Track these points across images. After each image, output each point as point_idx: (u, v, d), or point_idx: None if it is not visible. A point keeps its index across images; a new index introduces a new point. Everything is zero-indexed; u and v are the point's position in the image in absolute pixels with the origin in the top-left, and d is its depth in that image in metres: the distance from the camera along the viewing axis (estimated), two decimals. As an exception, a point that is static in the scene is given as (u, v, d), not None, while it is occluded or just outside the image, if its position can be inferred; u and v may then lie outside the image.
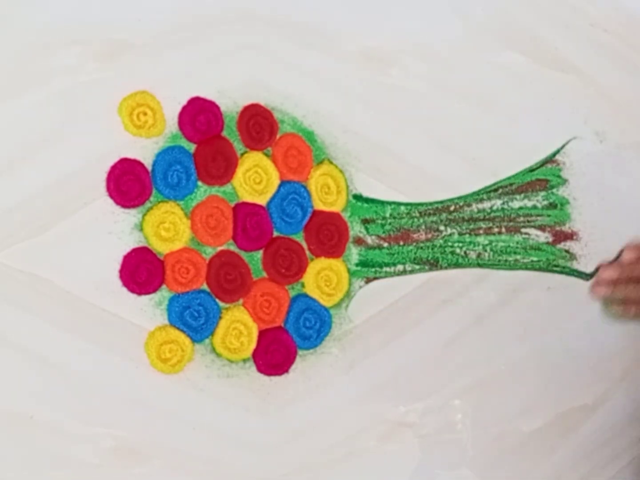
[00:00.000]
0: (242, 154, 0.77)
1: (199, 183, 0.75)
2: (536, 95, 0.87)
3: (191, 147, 0.75)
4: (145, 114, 0.73)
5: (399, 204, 0.82)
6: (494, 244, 0.85)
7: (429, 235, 0.83)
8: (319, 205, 0.79)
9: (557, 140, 0.87)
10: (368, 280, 0.81)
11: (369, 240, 0.81)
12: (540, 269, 0.87)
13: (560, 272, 0.87)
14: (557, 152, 0.87)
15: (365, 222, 0.81)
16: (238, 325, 0.75)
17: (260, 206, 0.77)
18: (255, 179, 0.77)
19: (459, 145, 0.84)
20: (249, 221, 0.76)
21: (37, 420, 0.70)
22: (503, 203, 0.86)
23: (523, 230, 0.86)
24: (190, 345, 0.74)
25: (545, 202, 0.87)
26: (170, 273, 0.73)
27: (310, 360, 0.78)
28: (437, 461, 0.83)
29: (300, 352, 0.78)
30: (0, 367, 0.69)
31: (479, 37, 0.85)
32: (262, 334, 0.76)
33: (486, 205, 0.85)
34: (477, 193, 0.85)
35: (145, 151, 0.73)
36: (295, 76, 0.78)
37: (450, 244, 0.84)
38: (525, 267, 0.86)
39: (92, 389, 0.71)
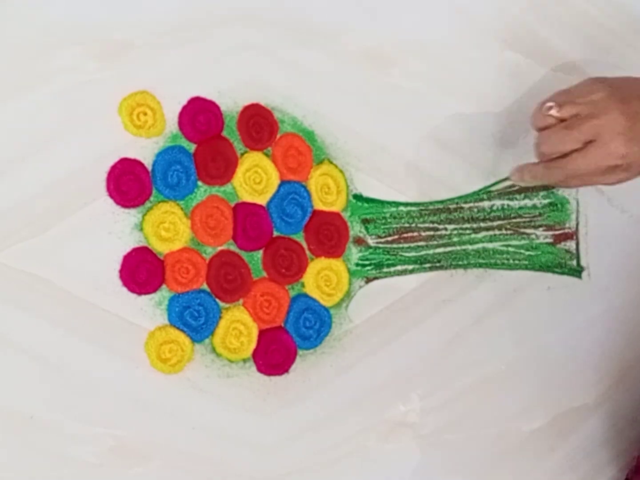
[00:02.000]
0: (242, 154, 0.77)
1: (199, 183, 0.75)
2: (536, 95, 0.87)
3: (191, 147, 0.75)
4: (145, 114, 0.73)
5: (399, 203, 0.82)
6: (494, 243, 0.85)
7: (429, 235, 0.83)
8: (319, 205, 0.79)
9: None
10: (368, 280, 0.81)
11: (369, 240, 0.81)
12: (540, 269, 0.87)
13: (560, 272, 0.88)
14: (557, 152, 0.87)
15: (365, 222, 0.81)
16: (238, 325, 0.75)
17: (260, 206, 0.77)
18: (255, 179, 0.77)
19: (459, 145, 0.84)
20: (249, 221, 0.76)
21: (37, 420, 0.70)
22: (503, 203, 0.86)
23: (523, 230, 0.86)
24: (190, 345, 0.74)
25: (545, 202, 0.87)
26: (170, 273, 0.74)
27: (310, 360, 0.78)
28: (437, 461, 0.83)
29: (300, 352, 0.78)
30: (0, 367, 0.69)
31: (479, 37, 0.85)
32: (262, 333, 0.76)
33: (486, 205, 0.85)
34: (477, 193, 0.85)
35: (145, 151, 0.73)
36: (295, 76, 0.78)
37: (450, 244, 0.84)
38: (525, 267, 0.86)
39: (92, 389, 0.71)
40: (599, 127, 0.70)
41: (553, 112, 0.72)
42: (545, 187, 0.87)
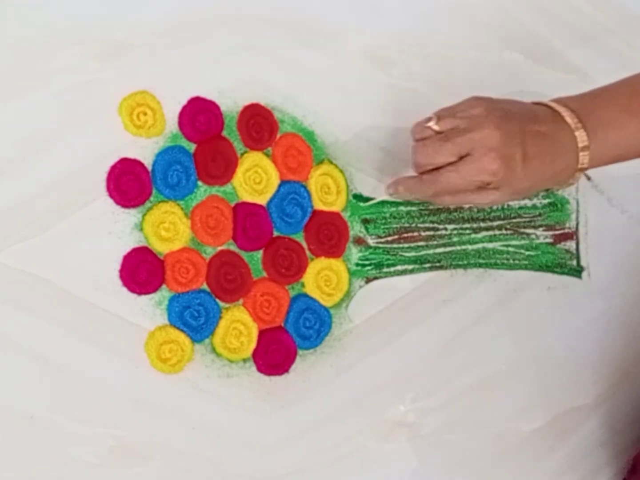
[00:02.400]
0: (242, 154, 0.77)
1: (199, 183, 0.75)
2: (536, 95, 0.87)
3: (191, 147, 0.75)
4: (145, 114, 0.73)
5: (399, 204, 0.82)
6: (494, 243, 0.85)
7: (429, 235, 0.83)
8: (319, 205, 0.79)
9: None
10: (368, 280, 0.81)
11: (369, 240, 0.81)
12: (540, 269, 0.87)
13: (560, 272, 0.88)
14: (557, 152, 0.87)
15: (365, 222, 0.81)
16: (238, 325, 0.75)
17: (260, 206, 0.77)
18: (255, 179, 0.77)
19: (459, 145, 0.84)
20: (249, 221, 0.76)
21: (37, 420, 0.70)
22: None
23: (523, 230, 0.86)
24: (190, 345, 0.74)
25: (545, 202, 0.87)
26: (170, 273, 0.73)
27: (310, 360, 0.78)
28: (437, 461, 0.83)
29: (300, 352, 0.78)
30: (0, 367, 0.69)
31: (479, 37, 0.85)
32: (262, 333, 0.76)
33: (486, 205, 0.85)
34: (477, 193, 0.85)
35: (145, 151, 0.73)
36: (295, 76, 0.78)
37: (450, 244, 0.84)
38: (525, 267, 0.86)
39: (92, 389, 0.71)
40: (473, 141, 0.69)
41: (431, 123, 0.71)
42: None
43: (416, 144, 0.72)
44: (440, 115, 0.72)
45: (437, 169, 0.70)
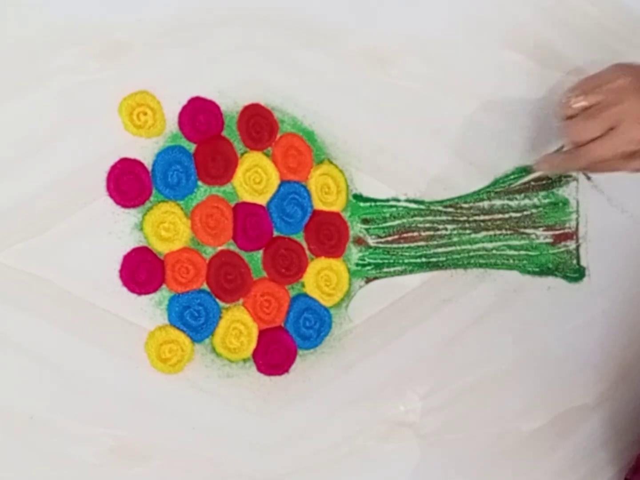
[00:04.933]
0: (242, 154, 0.77)
1: (199, 183, 0.75)
2: (536, 95, 0.87)
3: (191, 147, 0.75)
4: (145, 114, 0.73)
5: (399, 203, 0.82)
6: (494, 243, 0.85)
7: (429, 235, 0.83)
8: (319, 205, 0.79)
9: (557, 140, 0.87)
10: (368, 280, 0.81)
11: (369, 240, 0.81)
12: (540, 269, 0.87)
13: (560, 272, 0.87)
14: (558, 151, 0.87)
15: (365, 222, 0.81)
16: (238, 325, 0.75)
17: (260, 206, 0.77)
18: (255, 178, 0.77)
19: (459, 145, 0.84)
20: (249, 221, 0.76)
21: (37, 420, 0.70)
22: (503, 203, 0.86)
23: (523, 230, 0.86)
24: (190, 345, 0.74)
25: (546, 202, 0.87)
26: (170, 273, 0.74)
27: (310, 360, 0.78)
28: (437, 461, 0.83)
29: (300, 352, 0.78)
30: (0, 367, 0.69)
31: (479, 37, 0.85)
32: (262, 333, 0.76)
33: (486, 205, 0.85)
34: (477, 193, 0.85)
35: (145, 151, 0.74)
36: (295, 76, 0.78)
37: (450, 244, 0.84)
38: (525, 267, 0.86)
39: (92, 389, 0.71)
40: (620, 114, 0.72)
41: (579, 104, 0.74)
42: (545, 188, 0.87)
43: (565, 123, 0.75)
44: (585, 90, 0.74)
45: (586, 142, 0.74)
